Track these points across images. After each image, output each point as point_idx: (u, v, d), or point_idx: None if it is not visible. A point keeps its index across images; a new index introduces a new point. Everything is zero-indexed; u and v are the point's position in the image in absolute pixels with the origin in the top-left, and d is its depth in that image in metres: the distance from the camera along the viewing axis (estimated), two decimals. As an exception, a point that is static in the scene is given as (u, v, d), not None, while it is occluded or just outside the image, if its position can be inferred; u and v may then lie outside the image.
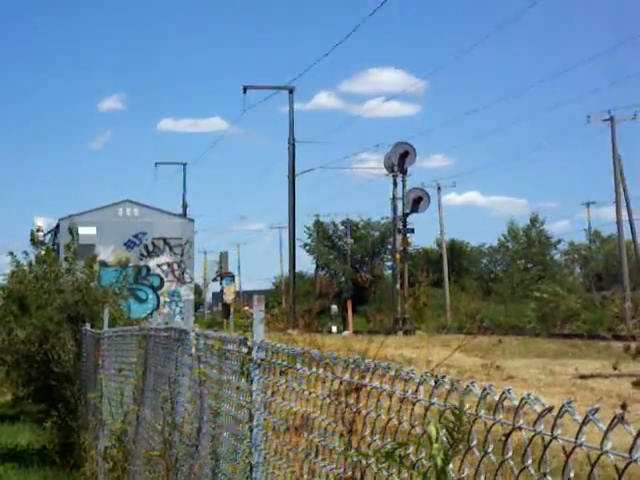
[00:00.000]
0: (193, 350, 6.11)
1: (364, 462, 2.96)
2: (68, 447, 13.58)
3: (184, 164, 60.88)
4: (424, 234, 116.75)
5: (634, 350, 18.00)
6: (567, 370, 20.41)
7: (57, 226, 33.97)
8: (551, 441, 2.03)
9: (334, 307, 63.01)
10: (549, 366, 21.24)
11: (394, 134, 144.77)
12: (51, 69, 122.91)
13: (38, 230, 17.44)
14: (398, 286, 44.38)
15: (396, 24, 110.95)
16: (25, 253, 16.59)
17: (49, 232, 34.44)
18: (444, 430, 2.30)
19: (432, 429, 2.25)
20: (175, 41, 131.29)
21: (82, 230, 27.53)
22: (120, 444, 8.97)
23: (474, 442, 2.35)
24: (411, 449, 2.61)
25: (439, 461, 2.25)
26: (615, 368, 19.14)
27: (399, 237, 44.41)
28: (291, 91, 47.19)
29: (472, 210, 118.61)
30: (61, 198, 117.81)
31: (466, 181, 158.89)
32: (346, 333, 43.36)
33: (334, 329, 51.32)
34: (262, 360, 4.42)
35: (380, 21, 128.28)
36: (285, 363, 4.00)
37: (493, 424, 2.27)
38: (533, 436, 2.10)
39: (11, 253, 16.52)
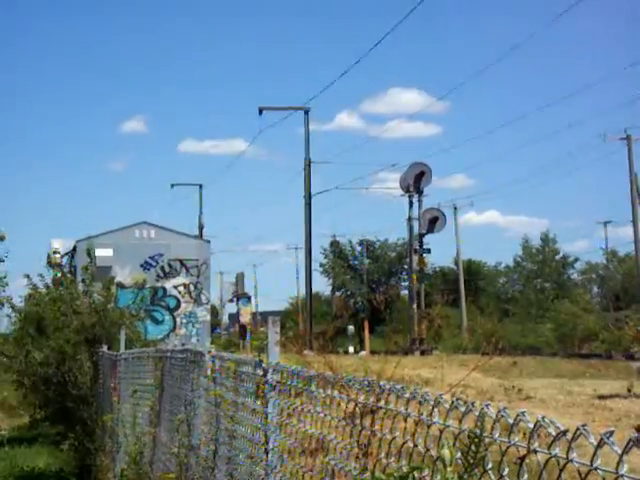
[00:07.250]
0: (209, 372, 6.12)
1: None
2: (85, 469, 13.58)
3: (200, 185, 61.01)
4: (442, 254, 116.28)
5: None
6: (585, 390, 20.25)
7: (74, 248, 34.05)
8: (566, 464, 2.02)
9: (351, 328, 62.83)
10: (567, 386, 21.10)
11: (414, 154, 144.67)
12: (74, 90, 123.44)
13: (55, 252, 17.48)
14: (415, 306, 44.27)
15: (415, 43, 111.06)
16: (41, 276, 16.63)
17: (66, 254, 34.57)
18: (459, 453, 2.29)
19: (446, 452, 2.24)
20: (198, 62, 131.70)
21: (99, 252, 27.57)
22: (136, 466, 8.96)
23: (489, 465, 2.34)
24: (426, 472, 2.60)
25: (453, 485, 2.24)
26: (630, 390, 18.95)
27: (415, 257, 44.37)
28: (307, 112, 47.23)
29: (492, 230, 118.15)
30: (79, 220, 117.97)
31: (486, 200, 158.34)
32: (363, 353, 43.22)
33: (351, 349, 51.21)
34: (277, 382, 4.42)
35: (399, 41, 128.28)
36: (300, 385, 3.99)
37: (508, 447, 2.26)
38: (548, 459, 2.09)
39: (27, 276, 16.58)
